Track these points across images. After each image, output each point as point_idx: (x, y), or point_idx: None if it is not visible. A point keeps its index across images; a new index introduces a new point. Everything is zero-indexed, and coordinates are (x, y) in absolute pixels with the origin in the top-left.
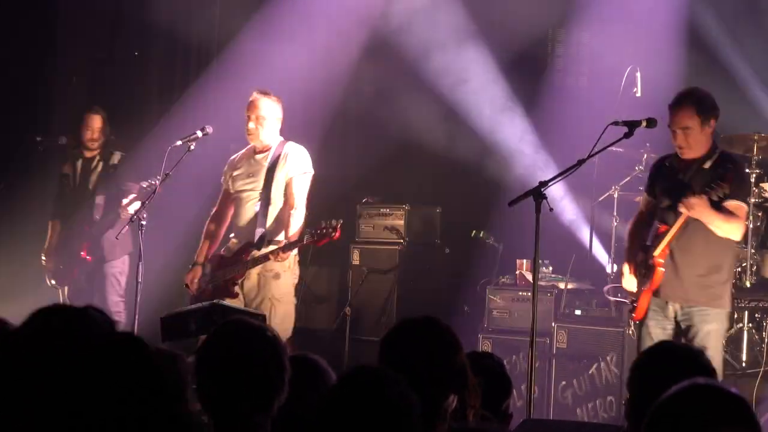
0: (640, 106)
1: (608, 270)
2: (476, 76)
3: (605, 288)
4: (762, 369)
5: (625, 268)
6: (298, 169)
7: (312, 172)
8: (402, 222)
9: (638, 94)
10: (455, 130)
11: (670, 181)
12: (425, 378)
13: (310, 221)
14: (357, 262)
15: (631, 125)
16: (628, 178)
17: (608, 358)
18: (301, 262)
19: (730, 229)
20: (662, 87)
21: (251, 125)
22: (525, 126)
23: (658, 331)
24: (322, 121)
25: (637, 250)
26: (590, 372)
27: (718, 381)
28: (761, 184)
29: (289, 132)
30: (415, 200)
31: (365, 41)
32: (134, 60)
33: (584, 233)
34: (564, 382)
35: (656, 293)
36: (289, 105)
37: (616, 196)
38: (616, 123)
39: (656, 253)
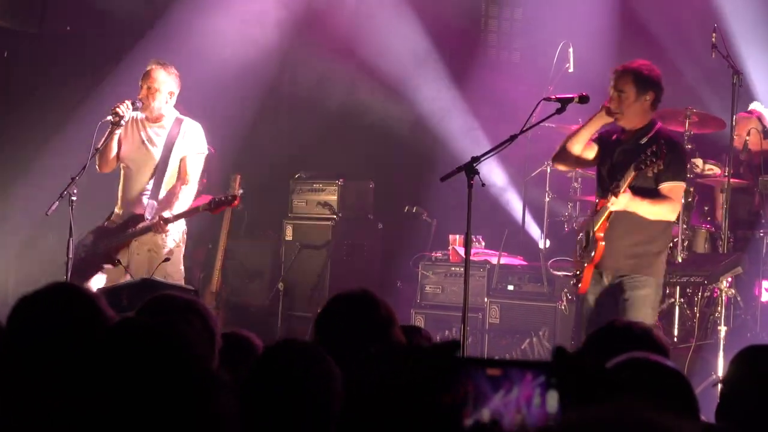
0: (573, 82)
1: (540, 245)
2: (410, 51)
3: (549, 262)
4: (693, 343)
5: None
6: (194, 147)
7: (206, 152)
8: (335, 197)
9: (571, 70)
10: (388, 105)
11: (612, 158)
12: (359, 353)
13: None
14: (290, 238)
15: (564, 101)
16: None
17: (540, 333)
18: (233, 237)
19: (660, 213)
20: (594, 63)
21: (142, 94)
22: (458, 101)
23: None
24: (255, 95)
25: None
26: (522, 347)
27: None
28: (693, 160)
29: (222, 106)
30: (348, 175)
31: (299, 15)
32: (66, 35)
33: (517, 209)
34: (496, 357)
35: (596, 265)
36: (222, 79)
37: (548, 171)
38: (548, 99)
39: (596, 228)
